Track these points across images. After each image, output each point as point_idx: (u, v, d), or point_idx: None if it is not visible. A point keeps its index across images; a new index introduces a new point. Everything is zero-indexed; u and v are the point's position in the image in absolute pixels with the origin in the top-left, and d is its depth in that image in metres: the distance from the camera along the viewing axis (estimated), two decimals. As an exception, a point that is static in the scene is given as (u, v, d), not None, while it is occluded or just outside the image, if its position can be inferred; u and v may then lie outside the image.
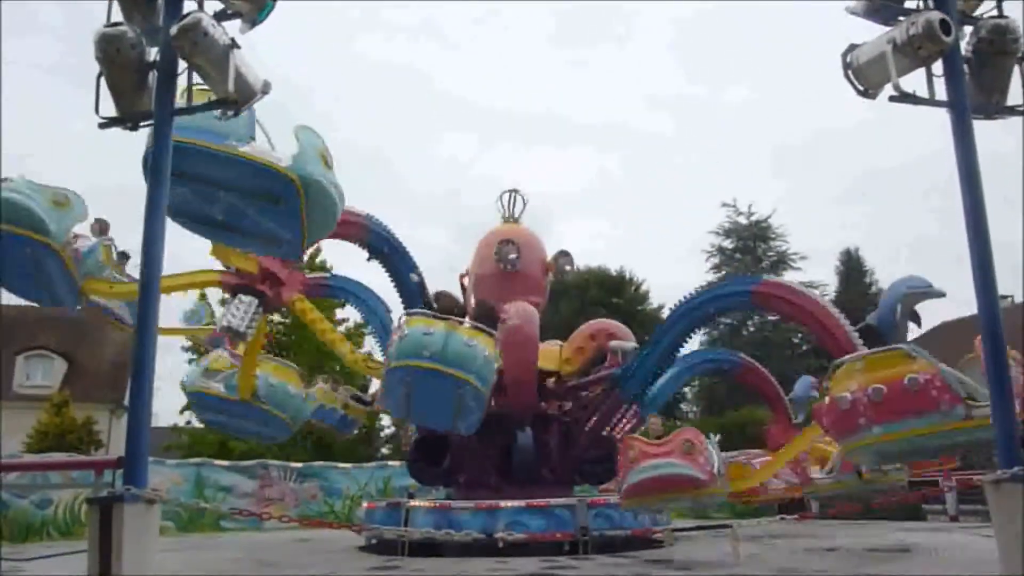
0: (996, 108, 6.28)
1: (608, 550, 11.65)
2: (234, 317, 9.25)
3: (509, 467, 13.37)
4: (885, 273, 43.05)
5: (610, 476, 15.66)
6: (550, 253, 15.66)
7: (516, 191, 16.34)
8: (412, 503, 13.21)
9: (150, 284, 5.88)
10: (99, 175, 70.57)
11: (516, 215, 16.30)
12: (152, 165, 6.07)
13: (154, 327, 5.98)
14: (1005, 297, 27.41)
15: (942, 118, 6.21)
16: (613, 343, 14.61)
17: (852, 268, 38.04)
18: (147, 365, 5.82)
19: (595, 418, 13.76)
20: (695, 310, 12.66)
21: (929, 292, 10.08)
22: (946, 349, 21.99)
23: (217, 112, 6.37)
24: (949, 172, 6.07)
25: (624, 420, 13.78)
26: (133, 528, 5.22)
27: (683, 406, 37.04)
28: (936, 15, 5.75)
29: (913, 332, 10.96)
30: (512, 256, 14.38)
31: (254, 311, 9.44)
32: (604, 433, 13.77)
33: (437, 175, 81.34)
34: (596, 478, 14.94)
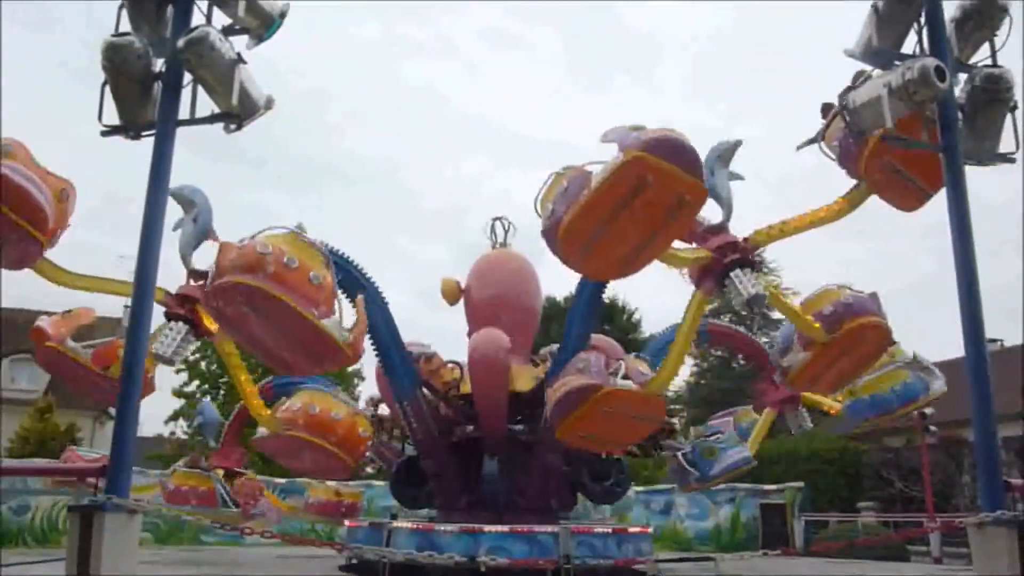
0: (988, 155, 6.39)
1: (590, 579, 11.57)
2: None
3: (479, 493, 13.31)
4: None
5: (615, 496, 15.64)
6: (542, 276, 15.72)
7: (503, 218, 16.58)
8: (394, 524, 13.10)
9: (143, 293, 5.88)
10: (120, 178, 70.53)
11: (504, 241, 16.42)
12: (151, 175, 6.09)
13: (146, 336, 5.98)
14: (994, 341, 27.56)
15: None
16: None
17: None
18: (136, 373, 5.81)
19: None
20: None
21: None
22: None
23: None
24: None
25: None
26: (113, 538, 5.17)
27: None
28: (932, 61, 5.86)
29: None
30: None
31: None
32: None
33: (445, 193, 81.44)
34: (599, 497, 14.93)
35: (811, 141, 8.27)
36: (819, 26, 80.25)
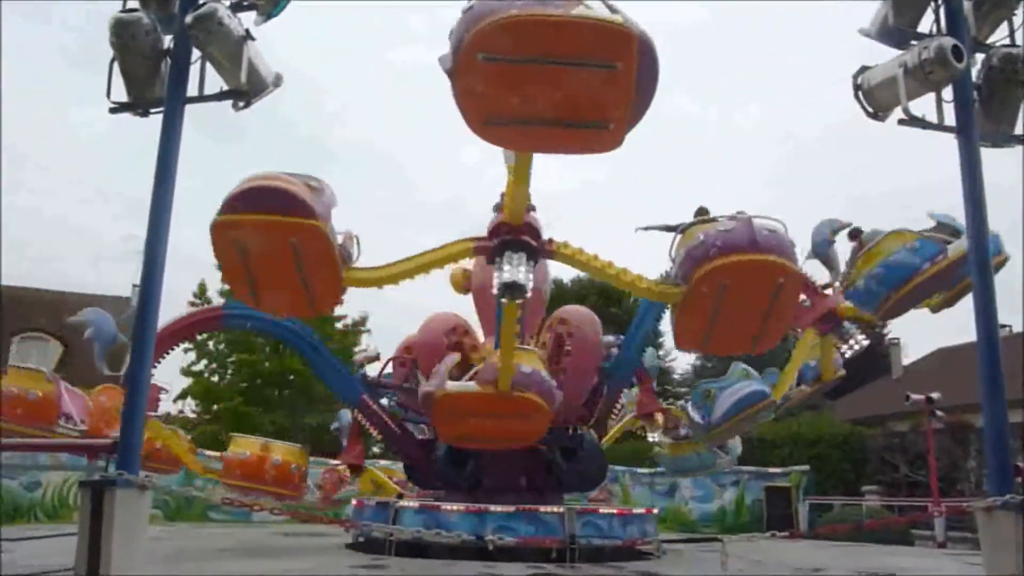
0: (1004, 136, 6.32)
1: (596, 559, 11.63)
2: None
3: (544, 477, 13.51)
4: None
5: (593, 484, 15.68)
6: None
7: None
8: (401, 503, 13.19)
9: (153, 271, 5.87)
10: (118, 165, 70.37)
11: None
12: (160, 153, 6.07)
13: (155, 315, 5.98)
14: (1004, 326, 27.38)
15: (950, 145, 6.24)
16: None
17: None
18: (146, 352, 5.83)
19: (597, 411, 13.93)
20: None
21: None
22: (943, 373, 21.87)
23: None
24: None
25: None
26: (124, 513, 5.21)
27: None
28: (949, 41, 5.77)
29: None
30: None
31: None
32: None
33: (446, 181, 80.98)
34: (579, 486, 15.01)
35: (668, 229, 8.19)
36: (819, 17, 79.42)
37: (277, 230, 7.13)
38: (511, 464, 13.24)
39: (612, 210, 76.12)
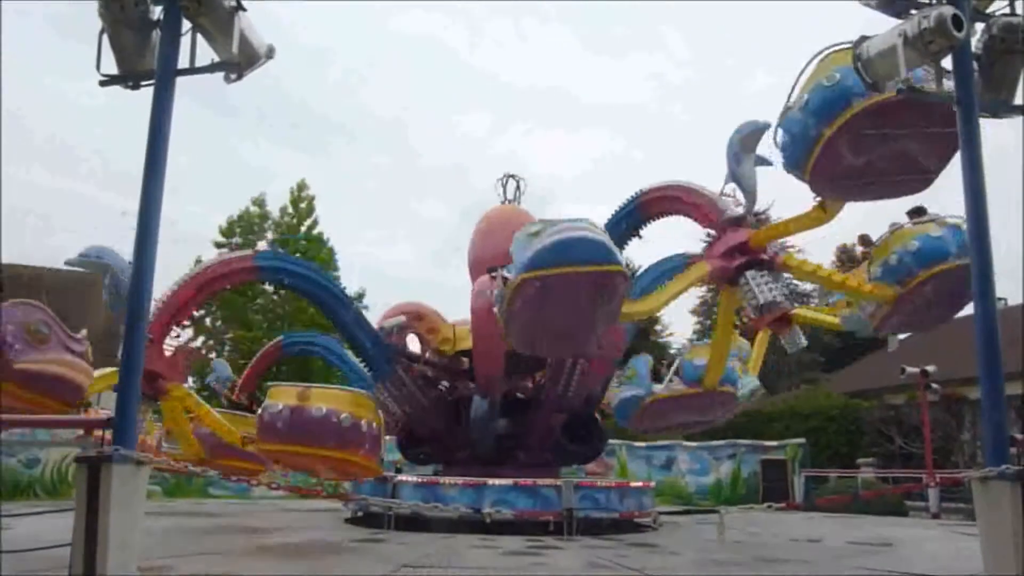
0: (1004, 106, 6.24)
1: (593, 532, 11.73)
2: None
3: (469, 445, 13.65)
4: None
5: (594, 456, 15.80)
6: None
7: (514, 176, 16.70)
8: (399, 477, 13.27)
9: (146, 243, 5.82)
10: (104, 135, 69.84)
11: (514, 198, 16.60)
12: (151, 126, 5.98)
13: (149, 291, 5.94)
14: (1000, 299, 27.39)
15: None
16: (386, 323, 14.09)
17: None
18: (139, 325, 5.79)
19: (548, 377, 13.61)
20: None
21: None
22: (938, 346, 21.90)
23: None
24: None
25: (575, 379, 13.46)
26: (121, 489, 5.19)
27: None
28: (949, 10, 5.68)
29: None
30: None
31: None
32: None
33: (450, 150, 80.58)
34: (580, 458, 15.14)
35: None
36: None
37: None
38: (463, 440, 13.69)
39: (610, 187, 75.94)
